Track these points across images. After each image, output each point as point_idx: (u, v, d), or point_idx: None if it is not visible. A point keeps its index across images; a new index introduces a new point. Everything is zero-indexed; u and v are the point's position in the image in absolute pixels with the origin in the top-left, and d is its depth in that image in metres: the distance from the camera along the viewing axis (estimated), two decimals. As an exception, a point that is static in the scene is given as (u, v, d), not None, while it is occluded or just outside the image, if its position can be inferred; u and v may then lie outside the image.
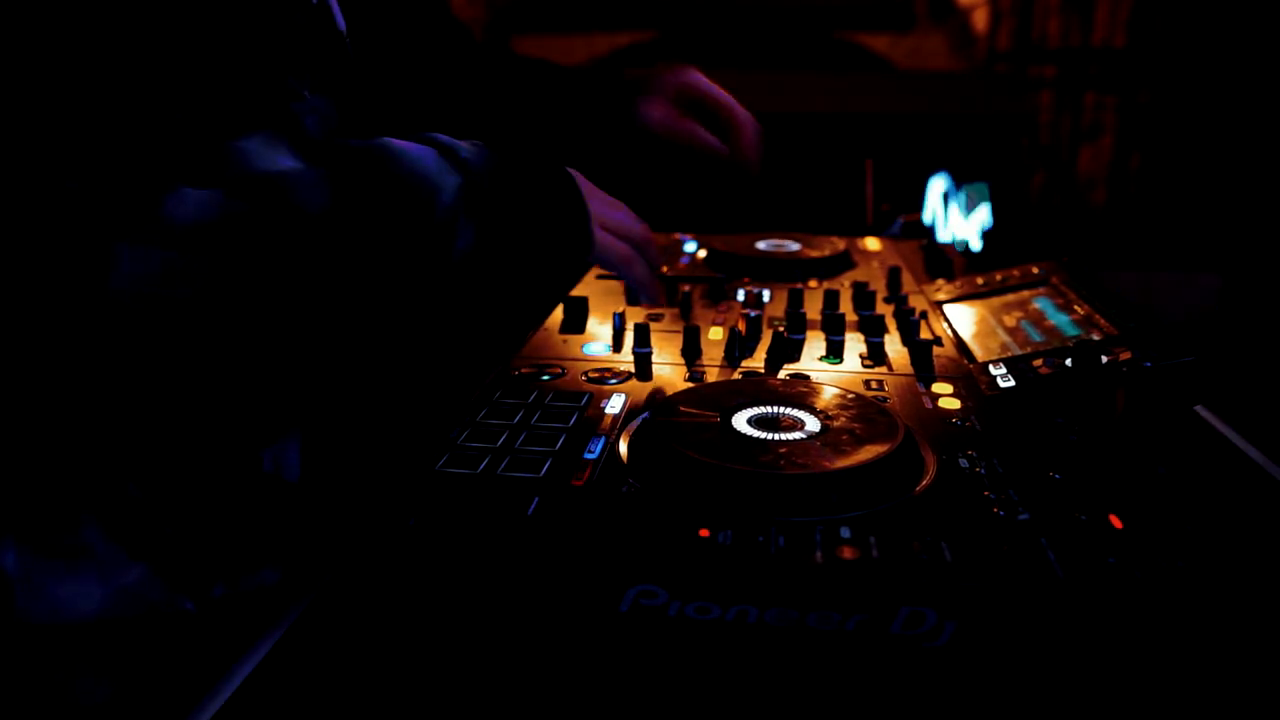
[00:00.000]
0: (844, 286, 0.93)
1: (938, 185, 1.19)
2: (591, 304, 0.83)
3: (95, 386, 0.52)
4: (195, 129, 0.51)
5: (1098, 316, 0.70)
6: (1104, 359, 0.62)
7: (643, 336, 0.74)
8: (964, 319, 0.82)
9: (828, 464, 0.49)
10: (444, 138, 0.58)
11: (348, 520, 0.55)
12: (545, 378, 0.67)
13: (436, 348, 0.73)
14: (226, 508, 0.58)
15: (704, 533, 0.44)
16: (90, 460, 0.54)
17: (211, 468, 0.57)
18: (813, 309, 0.85)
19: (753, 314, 0.83)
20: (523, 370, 0.69)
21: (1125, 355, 0.62)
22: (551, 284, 0.69)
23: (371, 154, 0.54)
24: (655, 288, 0.70)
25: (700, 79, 0.88)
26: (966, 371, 0.69)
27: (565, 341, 0.76)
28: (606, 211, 0.65)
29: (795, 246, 1.04)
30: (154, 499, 0.56)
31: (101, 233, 0.45)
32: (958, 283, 0.91)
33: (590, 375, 0.68)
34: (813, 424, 0.54)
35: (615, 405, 0.61)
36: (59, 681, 0.54)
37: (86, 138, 0.48)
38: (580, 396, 0.63)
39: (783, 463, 0.49)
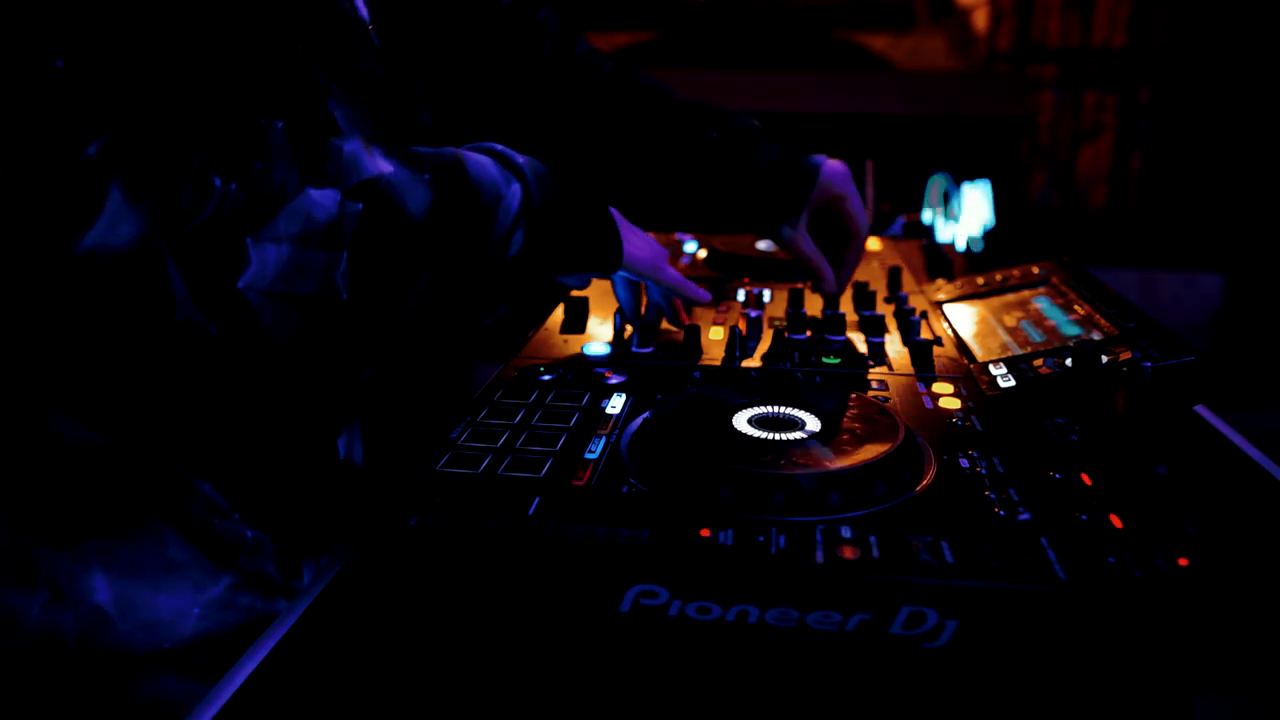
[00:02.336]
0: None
1: (938, 185, 1.19)
2: (592, 304, 0.83)
3: (203, 385, 0.54)
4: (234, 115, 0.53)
5: (1098, 316, 0.70)
6: (1104, 359, 0.62)
7: (646, 336, 0.74)
8: (964, 319, 0.82)
9: (828, 464, 0.49)
10: (498, 147, 0.61)
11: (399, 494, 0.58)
12: (546, 377, 0.67)
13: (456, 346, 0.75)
14: (308, 496, 0.61)
15: (705, 533, 0.44)
16: (166, 464, 0.55)
17: (290, 458, 0.60)
18: (813, 309, 0.85)
19: (753, 314, 0.83)
20: (523, 370, 0.69)
21: (1125, 355, 0.62)
22: (579, 288, 0.72)
23: (446, 160, 0.56)
24: (689, 283, 0.74)
25: (847, 205, 0.85)
26: (967, 371, 0.69)
27: (565, 341, 0.76)
28: (629, 234, 0.70)
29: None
30: (233, 500, 0.57)
31: (242, 230, 0.47)
32: (958, 283, 0.91)
33: (590, 375, 0.68)
34: (813, 424, 0.54)
35: (615, 405, 0.61)
36: (168, 698, 0.56)
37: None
38: (580, 396, 0.63)
39: (783, 462, 0.49)
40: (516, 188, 0.59)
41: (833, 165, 0.85)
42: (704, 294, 0.75)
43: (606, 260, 0.67)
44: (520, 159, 0.61)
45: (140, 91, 0.45)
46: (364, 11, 0.65)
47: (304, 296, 0.49)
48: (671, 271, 0.72)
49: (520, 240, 0.59)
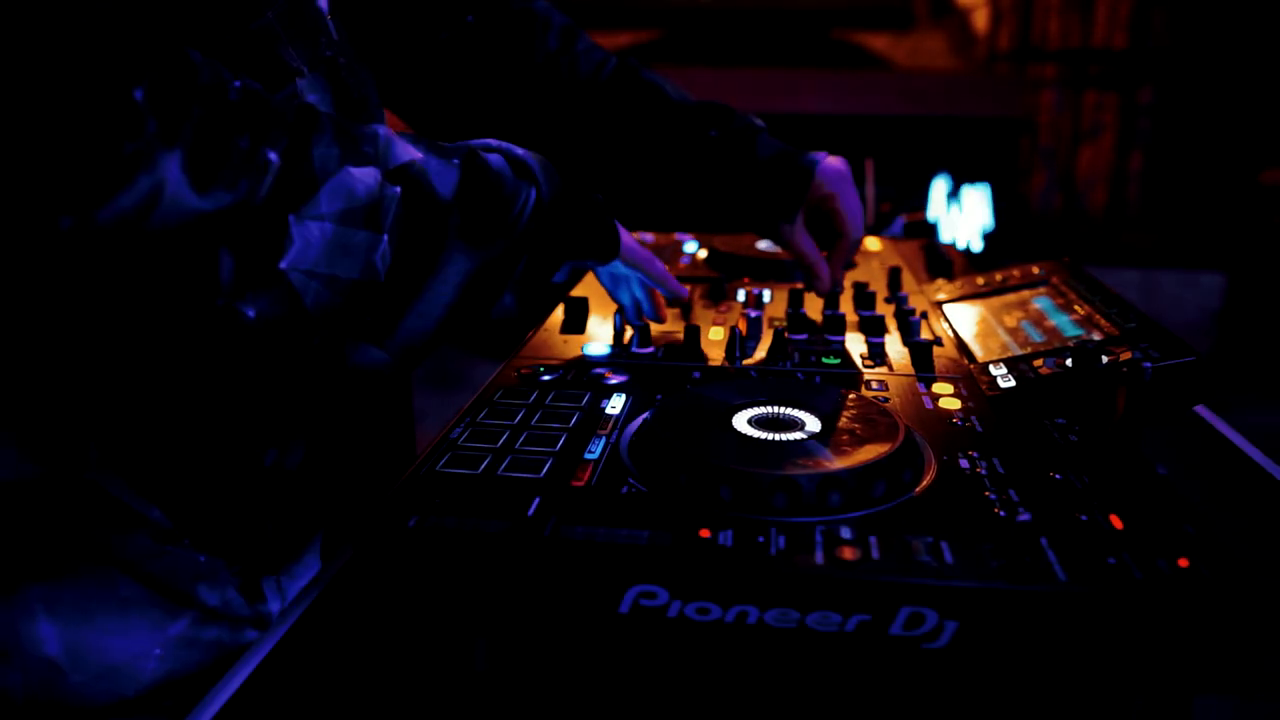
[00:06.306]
0: (844, 286, 0.93)
1: (940, 186, 1.19)
2: (591, 304, 0.83)
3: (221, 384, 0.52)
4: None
5: (1098, 316, 0.70)
6: (1104, 359, 0.62)
7: (645, 336, 0.74)
8: (964, 319, 0.82)
9: (828, 464, 0.49)
10: (494, 141, 0.60)
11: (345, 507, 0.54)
12: (545, 378, 0.67)
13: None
14: (260, 511, 0.58)
15: (704, 533, 0.44)
16: (110, 492, 0.52)
17: (250, 468, 0.57)
18: (813, 309, 0.85)
19: (753, 314, 0.83)
20: (523, 370, 0.69)
21: (1125, 355, 0.62)
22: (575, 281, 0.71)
23: (464, 150, 0.55)
24: (671, 277, 0.75)
25: (836, 203, 0.84)
26: (967, 371, 0.69)
27: (565, 341, 0.76)
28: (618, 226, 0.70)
29: (795, 246, 1.04)
30: (180, 524, 0.55)
31: (284, 207, 0.45)
32: (958, 283, 0.91)
33: (590, 375, 0.68)
34: (813, 424, 0.54)
35: (615, 405, 0.61)
36: None
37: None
38: (580, 396, 0.63)
39: (783, 463, 0.49)
40: (527, 180, 0.58)
41: (829, 163, 0.84)
42: (684, 290, 0.76)
43: (606, 249, 0.66)
44: (520, 151, 0.60)
45: (190, 61, 0.42)
46: (323, 1, 0.63)
47: (347, 279, 0.47)
48: (659, 264, 0.73)
49: (534, 230, 0.58)
